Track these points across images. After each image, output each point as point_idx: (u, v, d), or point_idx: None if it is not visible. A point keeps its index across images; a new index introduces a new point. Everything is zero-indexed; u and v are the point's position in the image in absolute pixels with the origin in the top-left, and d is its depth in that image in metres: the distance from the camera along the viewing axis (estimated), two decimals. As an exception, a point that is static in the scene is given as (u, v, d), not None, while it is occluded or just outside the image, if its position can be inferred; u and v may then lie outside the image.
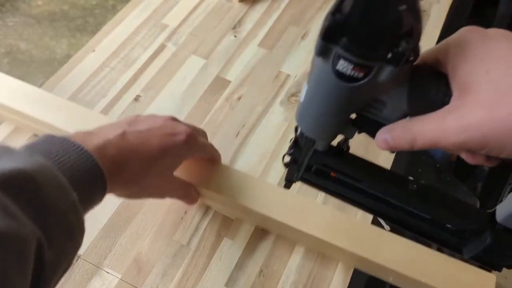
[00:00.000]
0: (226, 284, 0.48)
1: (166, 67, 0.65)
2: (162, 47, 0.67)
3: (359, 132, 0.34)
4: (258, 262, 0.49)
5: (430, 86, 0.29)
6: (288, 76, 0.65)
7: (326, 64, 0.28)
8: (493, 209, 0.36)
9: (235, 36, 0.69)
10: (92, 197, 0.35)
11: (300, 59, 0.67)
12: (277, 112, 0.61)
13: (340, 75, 0.27)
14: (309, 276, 0.48)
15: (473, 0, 0.87)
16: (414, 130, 0.29)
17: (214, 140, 0.58)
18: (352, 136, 0.35)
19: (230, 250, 0.50)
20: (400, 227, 0.40)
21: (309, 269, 0.49)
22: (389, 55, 0.26)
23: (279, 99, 0.62)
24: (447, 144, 0.27)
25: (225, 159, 0.56)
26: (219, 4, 0.74)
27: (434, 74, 0.30)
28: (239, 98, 0.62)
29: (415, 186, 0.38)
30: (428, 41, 0.70)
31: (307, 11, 0.74)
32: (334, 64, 0.27)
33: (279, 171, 0.56)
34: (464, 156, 0.30)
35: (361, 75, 0.27)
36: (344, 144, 0.38)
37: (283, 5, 0.74)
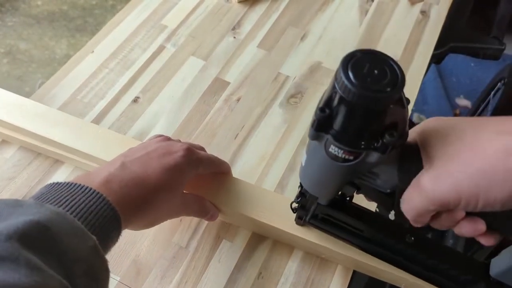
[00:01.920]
0: (225, 287, 0.47)
1: (165, 69, 0.65)
2: (161, 48, 0.67)
3: (357, 193, 0.37)
4: (257, 264, 0.49)
5: (417, 162, 0.31)
6: (287, 77, 0.65)
7: (319, 146, 0.31)
8: (488, 261, 0.39)
9: (234, 37, 0.69)
10: (109, 236, 0.35)
11: (299, 61, 0.67)
12: (276, 114, 0.61)
13: (332, 156, 0.30)
14: (308, 278, 0.48)
15: (473, 0, 0.87)
16: (403, 202, 0.33)
17: (213, 141, 0.58)
18: (351, 194, 0.39)
19: (229, 252, 0.50)
20: (401, 269, 0.43)
21: (308, 271, 0.49)
22: (375, 144, 0.29)
23: (278, 101, 0.62)
24: (425, 202, 0.30)
25: (224, 161, 0.56)
26: (218, 5, 0.73)
27: (418, 150, 0.32)
28: (238, 100, 0.62)
29: (412, 238, 0.41)
30: (428, 42, 0.70)
31: (306, 12, 0.73)
32: (327, 147, 0.30)
33: (277, 174, 0.56)
34: (447, 221, 0.32)
35: (351, 157, 0.30)
36: (346, 196, 0.41)
37: (282, 6, 0.74)
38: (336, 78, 0.27)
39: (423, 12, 0.74)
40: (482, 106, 1.32)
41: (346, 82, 0.26)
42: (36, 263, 0.27)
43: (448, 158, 0.29)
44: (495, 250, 0.39)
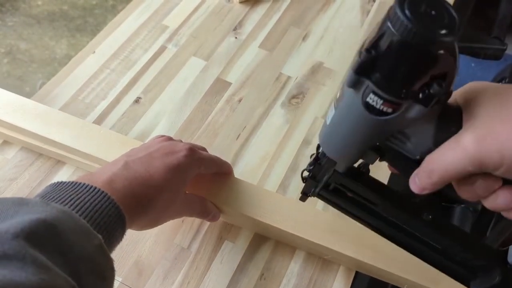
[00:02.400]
0: (227, 288, 0.47)
1: (167, 69, 0.65)
2: (162, 49, 0.67)
3: (380, 160, 0.34)
4: (259, 266, 0.49)
5: (458, 123, 0.29)
6: (289, 78, 0.65)
7: (356, 96, 0.28)
8: (506, 248, 0.36)
9: (236, 38, 0.69)
10: (114, 235, 0.35)
11: (301, 61, 0.67)
12: (278, 114, 0.61)
13: (369, 107, 0.28)
14: (310, 279, 0.48)
15: (474, 0, 0.87)
16: (431, 161, 0.30)
17: (215, 142, 0.58)
18: (373, 162, 0.35)
19: (231, 253, 0.50)
20: (411, 253, 0.40)
21: (310, 272, 0.49)
22: (420, 95, 0.26)
23: (280, 101, 0.62)
24: (464, 161, 0.28)
25: (226, 162, 0.56)
26: (219, 5, 0.73)
27: (460, 112, 0.30)
28: (240, 100, 0.62)
29: (430, 216, 0.38)
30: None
31: (307, 12, 0.73)
32: (364, 96, 0.27)
33: (279, 174, 0.56)
34: (481, 188, 0.30)
35: (390, 110, 0.27)
36: (365, 167, 0.38)
37: (283, 7, 0.74)
38: (389, 15, 0.25)
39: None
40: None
41: (402, 18, 0.24)
42: (42, 261, 0.27)
43: (495, 119, 0.27)
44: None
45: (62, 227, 0.30)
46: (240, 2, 0.73)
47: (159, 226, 0.50)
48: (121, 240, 0.37)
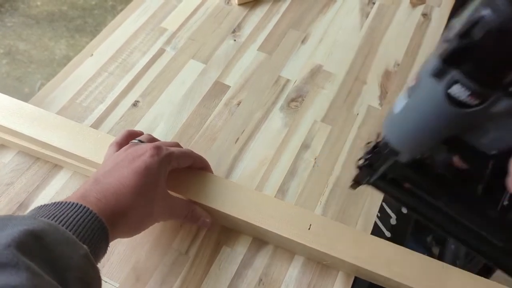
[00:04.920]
0: (225, 293, 0.47)
1: (165, 72, 0.65)
2: (161, 52, 0.67)
3: (449, 152, 0.32)
4: (258, 271, 0.49)
5: None
6: (288, 81, 0.65)
7: (437, 86, 0.26)
8: None
9: (235, 40, 0.69)
10: (98, 246, 0.36)
11: (300, 64, 0.67)
12: (277, 118, 0.61)
13: (451, 99, 0.26)
14: (309, 285, 0.48)
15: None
16: None
17: (213, 146, 0.58)
18: (441, 158, 0.34)
19: (229, 258, 0.49)
20: (472, 250, 0.39)
21: (309, 277, 0.49)
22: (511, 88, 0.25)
23: (279, 105, 0.62)
24: None
25: (224, 166, 0.56)
26: (218, 7, 0.73)
27: None
28: (239, 104, 0.62)
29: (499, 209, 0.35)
30: (429, 45, 0.69)
31: (307, 15, 0.73)
32: (447, 87, 0.26)
33: (278, 178, 0.55)
34: None
35: (475, 103, 0.26)
36: (429, 158, 0.36)
37: (282, 9, 0.73)
38: (487, 1, 0.24)
39: (424, 15, 0.74)
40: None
41: (505, 4, 0.23)
42: (34, 268, 0.28)
43: None
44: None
45: (49, 238, 0.31)
46: (239, 4, 0.73)
47: (157, 232, 0.50)
48: (105, 251, 0.38)
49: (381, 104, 0.63)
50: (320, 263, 0.49)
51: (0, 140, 0.55)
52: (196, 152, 0.50)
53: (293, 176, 0.55)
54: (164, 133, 0.58)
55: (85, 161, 0.51)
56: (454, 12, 0.75)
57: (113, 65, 0.65)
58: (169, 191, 0.46)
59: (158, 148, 0.44)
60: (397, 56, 0.68)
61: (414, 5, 0.75)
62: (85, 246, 0.33)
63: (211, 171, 0.52)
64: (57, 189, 0.53)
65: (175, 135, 0.58)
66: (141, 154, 0.43)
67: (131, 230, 0.43)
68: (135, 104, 0.61)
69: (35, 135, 0.51)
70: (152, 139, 0.49)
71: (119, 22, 0.70)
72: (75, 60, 0.66)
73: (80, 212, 0.36)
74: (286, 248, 0.50)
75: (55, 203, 0.36)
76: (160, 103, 0.61)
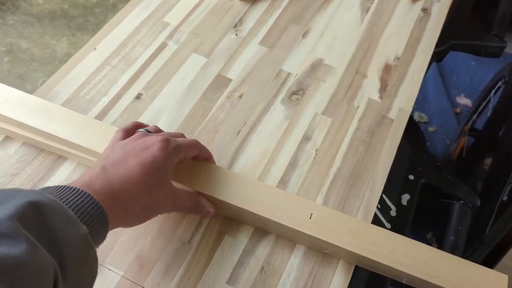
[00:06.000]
0: (228, 281, 0.48)
1: (168, 65, 0.65)
2: (163, 46, 0.67)
3: None
4: (260, 259, 0.49)
5: None
6: (289, 74, 0.65)
7: None
8: None
9: (236, 35, 0.70)
10: (97, 232, 0.36)
11: (301, 58, 0.67)
12: (278, 110, 0.61)
13: None
14: (310, 273, 0.49)
15: (474, -1, 0.87)
16: None
17: (215, 138, 0.58)
18: None
19: (231, 247, 0.50)
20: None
21: (310, 266, 0.49)
22: None
23: (280, 98, 0.63)
24: None
25: (226, 158, 0.56)
26: (220, 2, 0.74)
27: None
28: (240, 97, 0.62)
29: None
30: (429, 40, 0.70)
31: (308, 9, 0.74)
32: None
33: (279, 170, 0.56)
34: None
35: None
36: None
37: (284, 4, 0.74)
38: None
39: (424, 10, 0.75)
40: (483, 104, 1.32)
41: None
42: (33, 241, 0.29)
43: None
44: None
45: (51, 212, 0.32)
46: None
47: (160, 221, 0.51)
48: (104, 238, 0.38)
49: (381, 97, 0.63)
50: (321, 252, 0.50)
51: (5, 132, 0.56)
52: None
53: (294, 168, 0.56)
54: (167, 125, 0.59)
55: (89, 152, 0.51)
56: (454, 8, 0.76)
57: (116, 59, 0.65)
58: (173, 182, 0.46)
59: (166, 141, 0.44)
60: (397, 50, 0.68)
61: (414, 0, 0.76)
62: (84, 227, 0.34)
63: (214, 162, 0.52)
64: (62, 180, 0.53)
65: (178, 127, 0.59)
66: (149, 145, 0.43)
67: (134, 220, 0.43)
68: (138, 97, 0.62)
69: (40, 126, 0.52)
70: (159, 130, 0.50)
71: (122, 17, 0.71)
72: (78, 54, 0.66)
73: (82, 196, 0.36)
74: (287, 238, 0.50)
75: (57, 186, 0.37)
76: (163, 96, 0.62)
